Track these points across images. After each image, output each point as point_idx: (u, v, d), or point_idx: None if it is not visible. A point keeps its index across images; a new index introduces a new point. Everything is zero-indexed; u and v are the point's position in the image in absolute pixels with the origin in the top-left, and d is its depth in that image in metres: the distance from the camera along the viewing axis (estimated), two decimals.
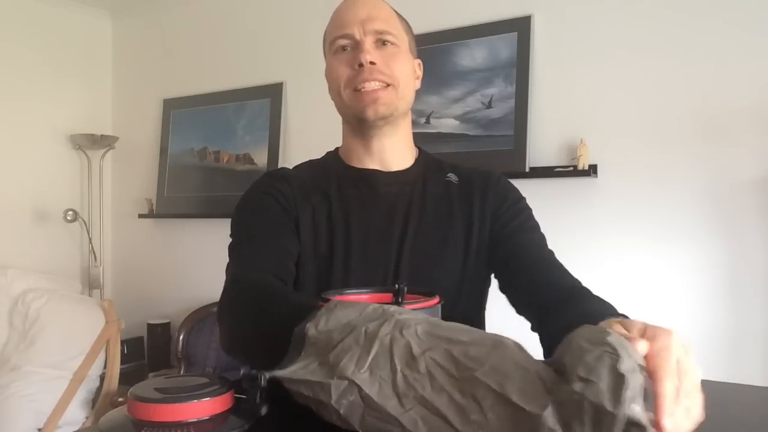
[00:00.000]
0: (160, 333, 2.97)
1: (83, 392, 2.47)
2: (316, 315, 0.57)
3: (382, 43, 0.93)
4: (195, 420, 0.47)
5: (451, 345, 0.49)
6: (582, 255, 2.04)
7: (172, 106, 3.17)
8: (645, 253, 1.98)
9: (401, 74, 0.93)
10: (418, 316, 0.55)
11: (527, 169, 2.13)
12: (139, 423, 0.47)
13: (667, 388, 0.48)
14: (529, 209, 1.01)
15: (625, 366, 0.44)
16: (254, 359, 0.71)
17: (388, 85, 0.92)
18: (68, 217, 3.01)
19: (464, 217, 0.96)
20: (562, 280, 0.89)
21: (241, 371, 0.53)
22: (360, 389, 0.48)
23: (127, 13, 3.36)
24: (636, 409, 0.43)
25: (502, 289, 0.96)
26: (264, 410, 0.52)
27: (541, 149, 2.16)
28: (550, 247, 0.97)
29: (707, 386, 0.72)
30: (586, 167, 2.02)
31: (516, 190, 1.02)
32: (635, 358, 0.45)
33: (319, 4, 2.67)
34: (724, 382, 0.73)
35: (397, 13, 0.98)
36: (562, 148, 2.13)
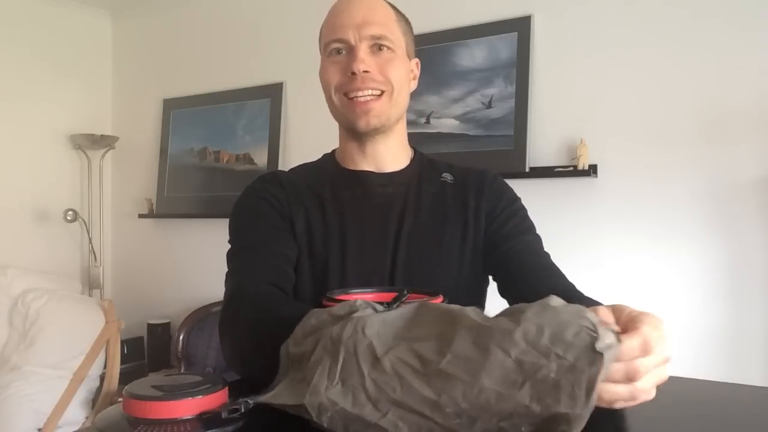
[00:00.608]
0: (160, 333, 2.97)
1: (83, 392, 2.47)
2: (295, 335, 0.58)
3: (378, 47, 0.91)
4: (190, 417, 0.46)
5: (411, 340, 0.49)
6: (582, 255, 2.04)
7: (172, 106, 3.17)
8: (645, 253, 1.98)
9: (396, 80, 0.92)
10: (379, 312, 0.55)
11: (527, 169, 2.13)
12: (135, 420, 0.47)
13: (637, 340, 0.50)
14: (524, 209, 1.00)
15: (602, 344, 0.44)
16: (255, 375, 0.71)
17: (382, 92, 0.91)
18: (68, 217, 3.01)
19: (459, 217, 0.96)
20: (559, 285, 0.89)
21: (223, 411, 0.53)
22: (334, 404, 0.48)
23: (127, 13, 3.36)
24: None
25: (502, 293, 0.96)
26: None
27: (541, 149, 2.15)
28: (549, 247, 0.97)
29: (708, 386, 0.72)
30: (586, 167, 2.01)
31: (511, 190, 1.02)
32: (612, 335, 0.46)
33: (319, 4, 2.67)
34: (724, 382, 0.72)
35: (395, 11, 0.96)
36: (562, 148, 2.13)
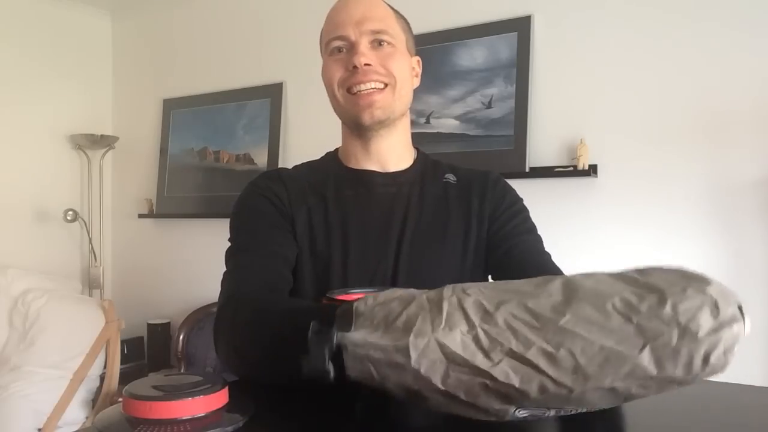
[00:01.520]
0: (160, 333, 2.97)
1: (83, 392, 2.47)
2: (364, 298, 0.55)
3: (378, 43, 0.92)
4: (190, 417, 0.46)
5: (521, 297, 0.49)
6: (582, 255, 2.04)
7: (172, 106, 3.17)
8: (645, 253, 1.98)
9: (399, 73, 0.92)
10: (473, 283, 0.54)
11: (527, 169, 2.13)
12: (135, 421, 0.46)
13: None
14: (527, 210, 1.01)
15: (723, 317, 0.46)
16: (251, 374, 0.72)
17: (386, 85, 0.91)
18: (68, 217, 3.01)
19: (462, 218, 0.96)
20: None
21: (311, 324, 0.50)
22: (443, 346, 0.47)
23: (127, 13, 3.36)
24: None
25: None
26: (332, 373, 0.50)
27: (541, 149, 2.15)
28: (549, 247, 0.97)
29: (708, 386, 0.72)
30: (586, 167, 2.01)
31: (514, 192, 1.02)
32: (734, 307, 0.47)
33: (319, 4, 2.67)
34: (724, 383, 0.72)
35: (393, 10, 0.97)
36: (562, 148, 2.13)
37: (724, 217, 1.88)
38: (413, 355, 0.48)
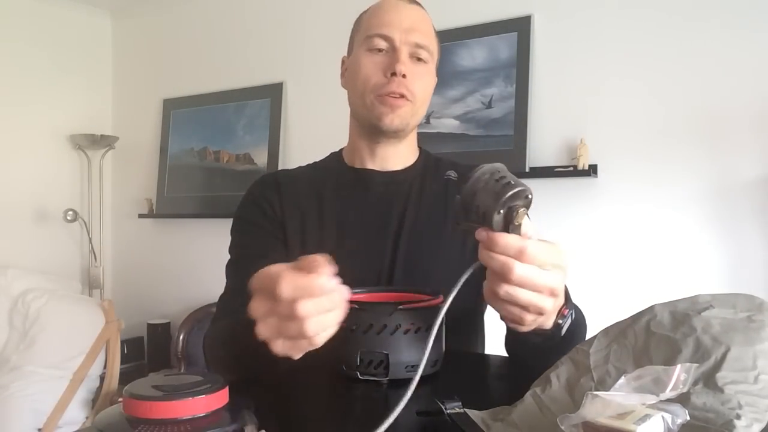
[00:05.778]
0: (160, 333, 2.97)
1: (83, 392, 2.47)
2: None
3: (416, 58, 0.94)
4: (190, 417, 0.46)
5: None
6: (581, 255, 2.04)
7: (172, 106, 3.17)
8: (645, 253, 1.98)
9: (423, 94, 0.95)
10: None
11: (527, 169, 2.13)
12: (135, 420, 0.46)
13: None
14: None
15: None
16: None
17: (408, 101, 0.93)
18: (68, 217, 3.01)
19: None
20: None
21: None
22: None
23: (127, 12, 3.36)
24: None
25: None
26: None
27: (541, 149, 2.15)
28: None
29: None
30: (586, 167, 2.01)
31: None
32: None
33: (319, 4, 2.68)
34: None
35: (435, 31, 1.00)
36: (562, 148, 2.13)
37: (724, 217, 1.88)
38: None
